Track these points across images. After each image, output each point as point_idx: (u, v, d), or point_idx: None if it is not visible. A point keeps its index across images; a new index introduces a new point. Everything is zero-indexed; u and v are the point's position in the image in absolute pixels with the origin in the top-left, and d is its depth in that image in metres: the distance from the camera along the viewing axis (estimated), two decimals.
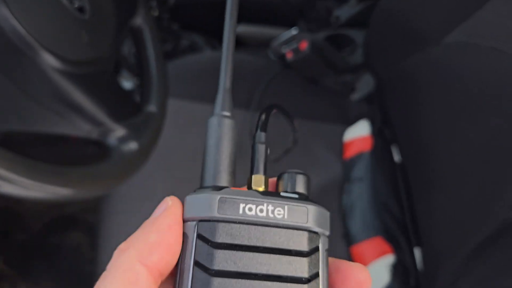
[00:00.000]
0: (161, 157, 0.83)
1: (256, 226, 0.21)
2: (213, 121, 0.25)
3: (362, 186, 0.86)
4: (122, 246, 0.22)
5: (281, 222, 0.22)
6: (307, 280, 0.21)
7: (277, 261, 0.21)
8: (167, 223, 0.21)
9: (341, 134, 0.97)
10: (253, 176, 0.24)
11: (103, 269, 0.22)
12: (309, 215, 0.22)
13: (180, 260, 0.21)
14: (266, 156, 0.25)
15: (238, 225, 0.21)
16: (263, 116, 0.27)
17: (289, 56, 0.94)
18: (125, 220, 0.78)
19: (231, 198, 0.22)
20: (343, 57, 1.00)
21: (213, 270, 0.20)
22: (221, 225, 0.21)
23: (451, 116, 0.73)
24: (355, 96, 1.02)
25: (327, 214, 0.24)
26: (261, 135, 0.26)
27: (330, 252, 0.68)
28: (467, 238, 0.66)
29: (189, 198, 0.22)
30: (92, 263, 1.12)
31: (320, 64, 0.95)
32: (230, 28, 0.27)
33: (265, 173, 0.24)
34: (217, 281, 0.20)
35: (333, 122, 0.99)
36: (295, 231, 0.22)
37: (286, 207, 0.22)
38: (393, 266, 0.79)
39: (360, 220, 0.84)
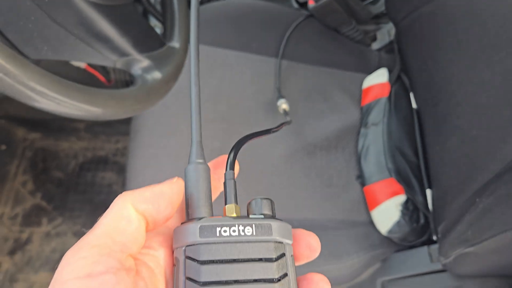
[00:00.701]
0: (185, 98, 0.88)
1: (231, 243, 0.27)
2: (190, 168, 0.30)
3: (378, 130, 0.89)
4: (121, 194, 0.27)
5: (251, 238, 0.27)
6: (278, 280, 0.27)
7: (251, 268, 0.26)
8: (161, 189, 0.28)
9: (360, 82, 0.99)
10: (226, 206, 0.30)
11: None
12: (273, 229, 0.27)
13: (174, 278, 0.27)
14: (235, 189, 0.30)
15: (217, 245, 0.26)
16: (231, 156, 0.32)
17: (311, 2, 0.95)
18: (151, 160, 0.84)
19: (209, 225, 0.27)
20: (365, 6, 1.00)
21: (201, 281, 0.26)
22: (203, 246, 0.26)
23: (468, 58, 0.73)
24: (376, 45, 1.03)
25: (289, 227, 0.29)
26: (230, 173, 0.31)
27: (345, 192, 0.73)
28: (476, 176, 0.68)
29: (176, 229, 0.28)
30: None
31: (342, 12, 0.96)
32: (195, 85, 0.33)
33: (236, 203, 0.30)
34: None
35: (353, 70, 1.00)
36: (263, 243, 0.27)
37: (253, 225, 0.27)
38: (404, 205, 0.82)
39: (374, 162, 0.87)
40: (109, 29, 0.55)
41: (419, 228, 0.82)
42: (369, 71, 0.99)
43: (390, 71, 0.95)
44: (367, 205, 0.87)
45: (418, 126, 0.89)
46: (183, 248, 0.27)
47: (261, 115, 0.91)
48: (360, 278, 0.85)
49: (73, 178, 1.23)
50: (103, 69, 1.11)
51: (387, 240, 0.84)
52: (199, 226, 0.27)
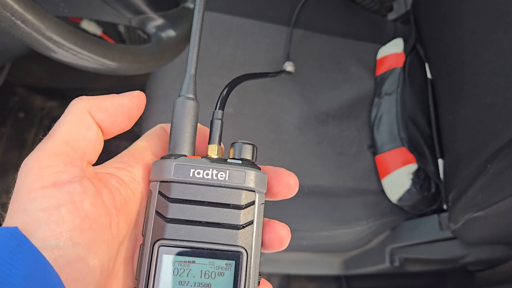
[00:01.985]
0: (199, 64, 0.88)
1: (202, 186, 0.28)
2: (179, 101, 0.30)
3: (391, 100, 0.88)
4: (77, 99, 0.27)
5: (223, 183, 0.28)
6: (242, 227, 0.28)
7: (217, 212, 0.28)
8: (120, 101, 0.28)
9: (375, 52, 0.98)
10: (208, 146, 0.30)
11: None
12: (247, 177, 0.28)
13: (146, 210, 0.28)
14: (221, 129, 0.30)
15: (188, 185, 0.27)
16: (224, 94, 0.32)
17: None
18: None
19: (184, 164, 0.27)
20: None
21: (168, 218, 0.27)
22: (175, 185, 0.27)
23: (486, 27, 0.72)
24: (392, 15, 1.02)
25: (264, 176, 0.29)
26: (218, 113, 0.31)
27: (356, 161, 0.74)
28: (488, 143, 0.68)
29: (154, 164, 0.28)
30: None
31: None
32: (198, 17, 0.32)
33: (219, 143, 0.30)
34: (170, 226, 0.27)
35: (368, 40, 1.00)
36: (234, 189, 0.28)
37: (227, 171, 0.28)
38: (415, 174, 0.82)
39: (386, 131, 0.87)
40: None
41: (430, 196, 0.82)
42: (384, 41, 0.98)
43: (405, 42, 0.94)
44: (378, 174, 0.87)
45: (432, 96, 0.88)
46: (158, 183, 0.28)
47: (274, 83, 0.91)
48: (370, 245, 0.86)
49: None
50: (119, 37, 1.12)
51: (397, 208, 0.85)
52: (174, 164, 0.27)
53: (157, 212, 0.27)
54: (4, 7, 0.41)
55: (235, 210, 0.28)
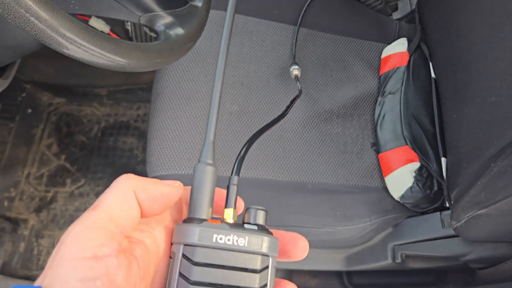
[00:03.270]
0: (205, 63, 0.89)
1: (224, 251, 0.30)
2: (199, 167, 0.32)
3: (395, 99, 0.89)
4: (123, 176, 0.29)
5: (242, 249, 0.30)
6: None
7: (237, 276, 0.30)
8: (163, 190, 0.30)
9: (379, 51, 0.99)
10: (225, 210, 0.32)
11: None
12: (263, 243, 0.30)
13: (169, 271, 0.30)
14: (236, 194, 0.33)
15: (211, 250, 0.30)
16: (240, 157, 0.35)
17: None
18: (171, 123, 0.86)
19: (208, 229, 0.30)
20: None
21: (192, 280, 0.29)
22: (199, 249, 0.29)
23: (491, 25, 0.73)
24: (396, 14, 1.02)
25: (277, 241, 0.32)
26: (234, 178, 0.33)
27: (359, 159, 0.75)
28: (492, 142, 0.69)
29: (177, 227, 0.31)
30: (143, 163, 1.24)
31: None
32: (218, 84, 0.35)
33: (234, 208, 0.32)
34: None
35: (372, 39, 1.00)
36: (252, 254, 0.30)
37: (246, 237, 0.30)
38: (418, 172, 0.83)
39: (390, 130, 0.88)
40: None
41: (432, 195, 0.83)
42: (389, 41, 0.99)
43: (409, 41, 0.95)
44: (381, 172, 0.88)
45: (435, 95, 0.89)
46: (181, 246, 0.30)
47: (278, 82, 0.92)
48: (372, 241, 0.87)
49: (95, 142, 1.27)
50: (126, 36, 1.14)
51: (399, 205, 0.86)
52: (199, 229, 0.30)
53: (180, 274, 0.29)
54: (18, 4, 0.42)
55: (252, 274, 0.30)
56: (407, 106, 0.88)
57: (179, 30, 0.61)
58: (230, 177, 0.33)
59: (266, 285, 0.30)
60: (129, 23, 1.09)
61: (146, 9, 0.60)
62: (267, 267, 0.30)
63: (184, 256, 0.29)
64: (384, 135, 0.88)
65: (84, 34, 0.48)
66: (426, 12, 0.94)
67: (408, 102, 0.88)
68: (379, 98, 0.92)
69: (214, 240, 0.29)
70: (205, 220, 0.31)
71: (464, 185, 0.74)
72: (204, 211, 0.31)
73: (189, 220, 0.31)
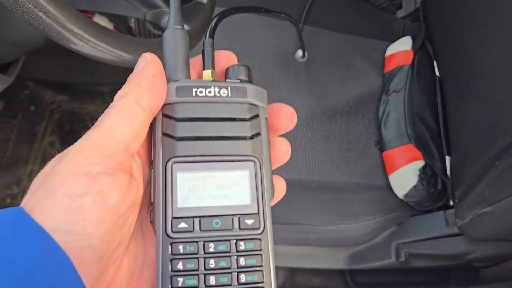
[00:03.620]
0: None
1: (207, 103, 0.28)
2: (167, 33, 0.30)
3: (399, 97, 0.89)
4: (121, 92, 0.27)
5: (226, 99, 0.28)
6: (250, 138, 0.28)
7: (225, 126, 0.28)
8: (151, 73, 0.27)
9: (384, 49, 0.99)
10: (203, 72, 0.30)
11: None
12: (248, 92, 0.28)
13: (152, 135, 0.28)
14: (213, 56, 0.30)
15: (192, 104, 0.28)
16: (213, 24, 0.33)
17: None
18: None
19: (185, 85, 0.28)
20: None
21: (177, 137, 0.27)
22: (179, 105, 0.28)
23: (496, 23, 0.73)
24: (401, 13, 1.02)
25: (264, 91, 0.30)
26: (209, 41, 0.31)
27: (363, 157, 0.75)
28: (496, 140, 0.69)
29: None
30: None
31: None
32: None
33: (213, 69, 0.30)
34: (180, 143, 0.27)
35: (376, 38, 1.00)
36: (238, 104, 0.28)
37: (229, 87, 0.28)
38: (422, 170, 0.83)
39: (394, 128, 0.88)
40: None
41: (436, 193, 0.83)
42: (393, 39, 0.99)
43: (414, 39, 0.95)
44: (384, 171, 0.88)
45: (440, 93, 0.89)
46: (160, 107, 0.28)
47: (283, 78, 0.92)
48: (375, 240, 0.87)
49: None
50: (130, 33, 1.14)
51: (403, 204, 0.85)
52: (175, 86, 0.28)
53: (164, 134, 0.27)
54: None
55: (242, 123, 0.28)
56: (412, 104, 0.88)
57: (184, 27, 0.61)
58: (204, 41, 0.31)
59: (259, 133, 0.28)
60: (132, 20, 1.09)
61: (152, 5, 0.60)
62: (257, 116, 0.28)
63: (164, 115, 0.27)
64: (388, 133, 0.88)
65: (91, 29, 0.48)
66: (430, 10, 0.94)
67: (413, 101, 0.88)
68: (383, 97, 0.92)
69: (194, 94, 0.28)
70: (182, 79, 0.28)
71: (468, 183, 0.74)
72: (179, 74, 0.29)
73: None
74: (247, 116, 0.28)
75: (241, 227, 0.27)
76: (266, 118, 0.29)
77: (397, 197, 0.86)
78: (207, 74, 0.30)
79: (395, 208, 0.85)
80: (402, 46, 0.94)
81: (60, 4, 0.44)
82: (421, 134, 0.86)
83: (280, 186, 0.31)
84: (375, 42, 0.99)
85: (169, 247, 0.26)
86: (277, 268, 0.98)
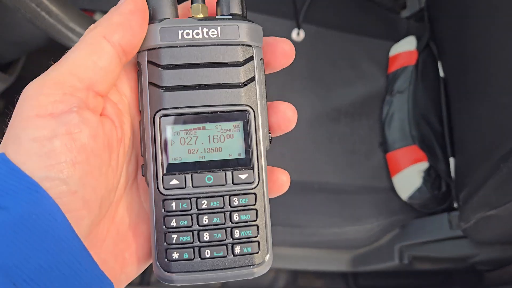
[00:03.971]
0: None
1: (194, 47, 0.25)
2: None
3: (403, 98, 0.88)
4: (91, 26, 0.25)
5: (216, 41, 0.26)
6: (244, 84, 0.26)
7: (216, 73, 0.26)
8: (129, 9, 0.25)
9: (388, 50, 0.98)
10: (192, 6, 0.27)
11: None
12: (241, 31, 0.26)
13: (138, 83, 0.26)
14: None
15: (179, 48, 0.25)
16: None
17: None
18: None
19: (170, 27, 0.25)
20: None
21: (164, 86, 0.25)
22: (164, 50, 0.25)
23: (503, 24, 0.72)
24: (405, 13, 1.02)
25: (259, 28, 0.27)
26: None
27: (367, 159, 0.74)
28: (502, 143, 0.68)
29: None
30: None
31: None
32: None
33: (203, 2, 0.27)
34: (167, 94, 0.25)
35: (380, 38, 0.99)
36: (229, 46, 0.26)
37: (219, 27, 0.26)
38: (426, 172, 0.82)
39: (398, 129, 0.87)
40: None
41: (440, 195, 0.82)
42: (397, 39, 0.98)
43: (418, 40, 0.94)
44: (388, 172, 0.88)
45: (444, 94, 0.88)
46: (145, 52, 0.26)
47: (286, 78, 0.91)
48: (379, 242, 0.86)
49: None
50: None
51: (407, 206, 0.85)
52: (159, 28, 0.25)
53: (150, 83, 0.26)
54: None
55: (234, 68, 0.26)
56: (416, 105, 0.87)
57: None
58: None
59: (253, 78, 0.26)
60: None
61: None
62: (251, 58, 0.26)
63: (150, 62, 0.26)
64: (392, 134, 0.87)
65: None
66: (435, 10, 0.93)
67: (417, 101, 0.87)
68: (387, 97, 0.91)
69: (179, 37, 0.25)
70: (168, 18, 0.26)
71: (473, 185, 0.73)
72: (166, 10, 0.26)
73: (149, 23, 0.26)
74: (240, 59, 0.26)
75: (235, 181, 0.26)
76: (261, 59, 0.27)
77: (400, 199, 0.85)
78: (196, 8, 0.27)
79: (399, 210, 0.84)
80: (406, 46, 0.94)
81: (62, 3, 0.44)
82: (426, 135, 0.85)
83: (284, 180, 0.29)
84: (379, 42, 0.99)
85: (162, 203, 0.25)
86: (279, 271, 0.98)
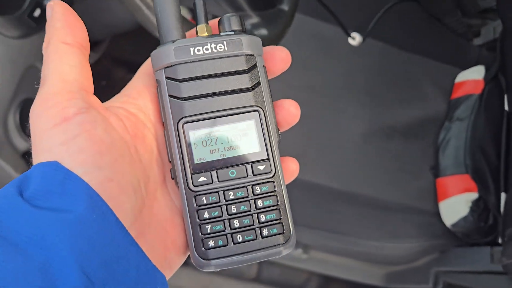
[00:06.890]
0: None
1: (205, 61, 0.29)
2: None
3: (462, 126, 0.88)
4: (44, 45, 0.28)
5: (223, 54, 0.29)
6: (252, 88, 0.30)
7: (226, 81, 0.29)
8: (60, 13, 0.27)
9: (454, 75, 0.97)
10: (197, 27, 0.31)
11: None
12: (244, 43, 0.29)
13: (159, 98, 0.30)
14: (205, 9, 0.31)
15: (192, 63, 0.29)
16: None
17: None
18: None
19: (183, 46, 0.29)
20: None
21: (183, 97, 0.29)
22: (180, 66, 0.29)
23: None
24: (478, 41, 1.01)
25: (258, 40, 0.31)
26: None
27: (416, 180, 0.76)
28: None
29: (153, 53, 0.30)
30: None
31: (449, 1, 0.95)
32: None
33: (206, 23, 0.31)
34: (187, 103, 0.29)
35: (447, 62, 0.99)
36: (235, 57, 0.29)
37: (224, 42, 0.29)
38: (475, 203, 0.82)
39: (452, 156, 0.87)
40: None
41: (486, 228, 0.82)
42: (464, 65, 0.97)
43: (487, 69, 0.93)
44: (435, 197, 0.88)
45: (506, 129, 0.87)
46: (163, 70, 0.29)
47: (344, 91, 0.93)
48: (416, 263, 0.87)
49: None
50: None
51: (449, 233, 0.85)
52: (173, 47, 0.29)
53: (171, 96, 0.29)
54: None
55: (241, 75, 0.29)
56: (474, 135, 0.86)
57: (263, 31, 0.64)
58: None
59: (259, 83, 0.30)
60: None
61: (238, 8, 0.63)
62: (255, 66, 0.30)
63: (168, 78, 0.29)
64: (445, 160, 0.87)
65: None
66: (509, 42, 0.92)
67: (476, 131, 0.87)
68: (446, 123, 0.91)
69: (192, 54, 0.29)
70: (178, 40, 0.29)
71: None
72: (173, 32, 0.29)
73: (162, 44, 0.30)
74: (245, 68, 0.30)
75: (255, 173, 0.29)
76: (263, 66, 0.31)
77: (444, 225, 0.85)
78: (201, 29, 0.30)
79: (441, 235, 0.84)
80: (474, 75, 0.93)
81: None
82: (480, 166, 0.85)
83: (294, 168, 0.32)
84: (446, 67, 0.98)
85: (193, 199, 0.29)
86: (312, 274, 1.00)
